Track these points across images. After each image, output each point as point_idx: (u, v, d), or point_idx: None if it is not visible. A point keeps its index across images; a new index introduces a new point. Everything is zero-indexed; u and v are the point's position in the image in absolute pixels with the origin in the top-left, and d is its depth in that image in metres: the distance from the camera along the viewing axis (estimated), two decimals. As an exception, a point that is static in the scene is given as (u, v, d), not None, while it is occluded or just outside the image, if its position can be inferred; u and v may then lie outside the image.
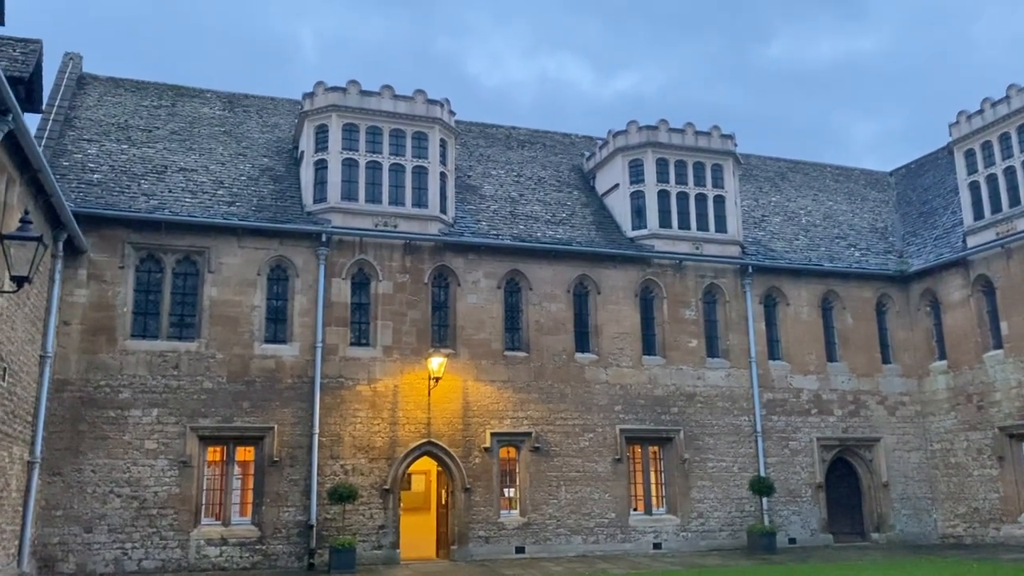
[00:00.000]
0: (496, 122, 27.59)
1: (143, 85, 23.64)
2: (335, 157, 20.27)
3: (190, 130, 22.15)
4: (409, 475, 20.57)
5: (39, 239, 9.66)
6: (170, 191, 19.51)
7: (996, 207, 22.38)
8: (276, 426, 18.22)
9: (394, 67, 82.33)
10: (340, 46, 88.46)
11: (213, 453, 18.25)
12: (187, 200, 19.36)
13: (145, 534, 16.86)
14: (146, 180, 19.63)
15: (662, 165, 23.05)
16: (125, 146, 20.71)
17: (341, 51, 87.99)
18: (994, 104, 22.67)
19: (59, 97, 21.21)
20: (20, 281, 9.59)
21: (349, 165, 20.39)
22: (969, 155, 23.39)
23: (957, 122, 23.78)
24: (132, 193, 19.04)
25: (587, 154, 25.71)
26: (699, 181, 23.23)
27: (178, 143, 21.44)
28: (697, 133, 23.52)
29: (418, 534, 20.30)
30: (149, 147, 20.93)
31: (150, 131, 21.62)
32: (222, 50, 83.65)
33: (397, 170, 20.67)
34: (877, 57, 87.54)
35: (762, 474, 21.55)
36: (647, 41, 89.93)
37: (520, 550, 19.39)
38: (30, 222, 9.79)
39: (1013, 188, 21.97)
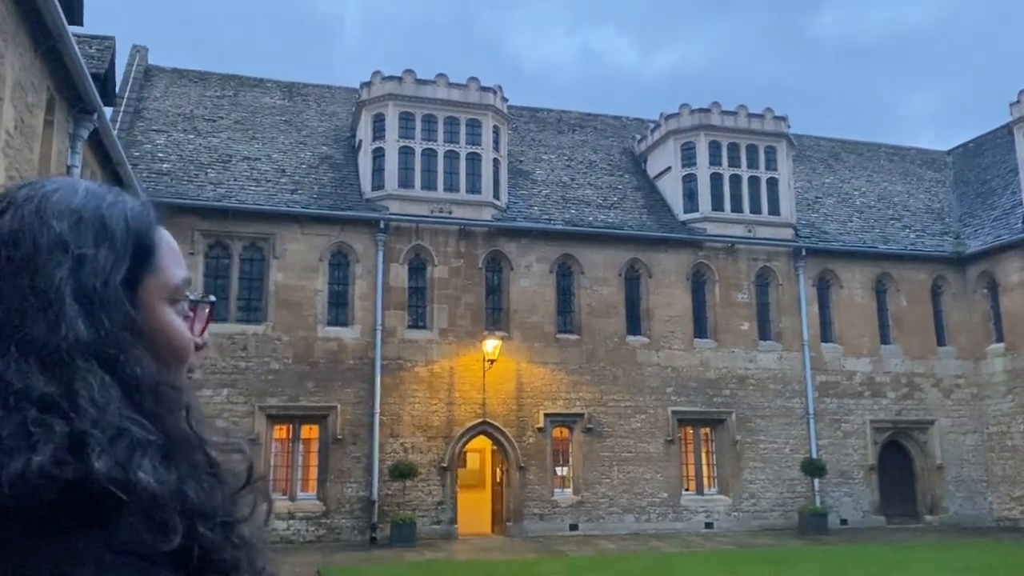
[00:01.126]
0: (540, 102, 27.97)
1: (206, 76, 24.43)
2: (392, 145, 20.81)
3: (252, 119, 22.89)
4: (465, 453, 21.17)
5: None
6: (235, 180, 20.27)
7: (1057, 188, 22.01)
8: (339, 405, 18.96)
9: (438, 44, 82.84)
10: (385, 24, 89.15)
11: (279, 431, 19.09)
12: (252, 188, 20.10)
13: (217, 507, 17.71)
14: (212, 169, 20.41)
15: (714, 148, 23.11)
16: (191, 136, 21.53)
17: (386, 28, 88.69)
18: (1056, 82, 22.21)
19: (128, 89, 22.08)
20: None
21: (405, 153, 20.91)
22: (1030, 134, 22.98)
23: (1018, 101, 23.38)
24: (200, 182, 19.84)
25: (638, 137, 25.84)
26: (752, 163, 23.25)
27: (241, 132, 22.19)
28: (750, 115, 23.50)
29: (474, 510, 20.92)
30: (214, 136, 21.71)
31: (214, 121, 22.40)
32: (269, 33, 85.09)
33: (451, 157, 21.13)
34: (931, 27, 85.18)
35: (814, 455, 21.68)
36: (691, 14, 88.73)
37: (574, 527, 19.90)
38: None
39: (1075, 168, 21.57)
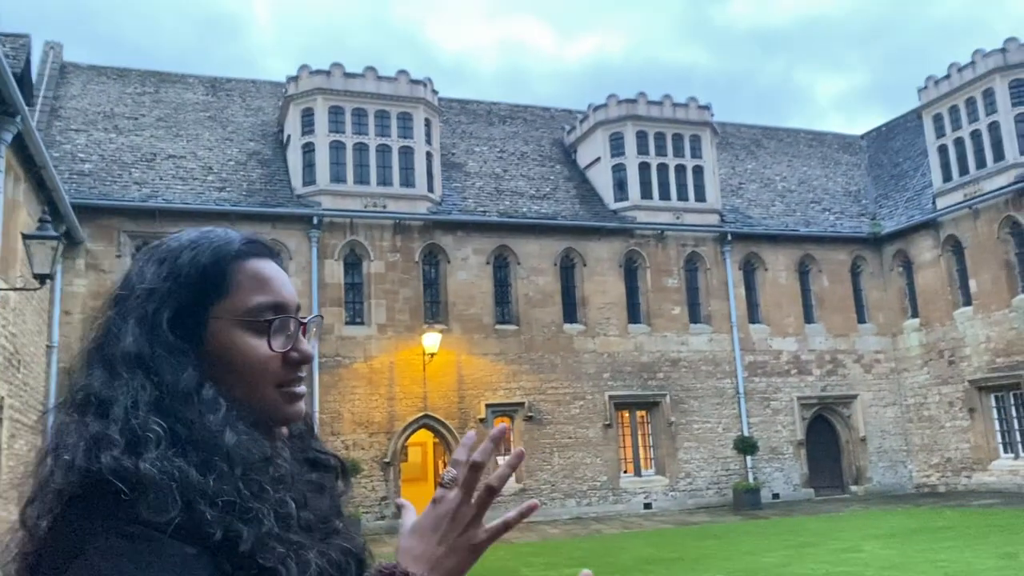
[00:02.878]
0: (462, 93, 28.04)
1: (125, 72, 23.73)
2: (322, 140, 20.63)
3: (176, 116, 22.35)
4: (407, 447, 21.23)
5: (58, 238, 10.08)
6: (161, 178, 19.80)
7: (964, 169, 23.20)
8: (277, 405, 18.74)
9: (353, 35, 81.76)
10: (296, 16, 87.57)
11: (217, 434, 18.77)
12: (178, 187, 19.67)
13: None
14: (136, 168, 19.90)
15: (642, 138, 23.60)
16: (113, 135, 20.92)
17: (297, 20, 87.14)
18: (960, 69, 23.38)
19: (43, 88, 21.30)
20: (43, 279, 10.02)
21: (336, 147, 20.75)
22: (937, 119, 24.15)
23: (925, 87, 24.49)
24: (124, 182, 19.32)
25: (567, 128, 26.16)
26: (678, 152, 23.83)
27: (165, 130, 21.66)
28: (675, 105, 24.06)
29: (418, 504, 20.47)
30: (136, 135, 21.14)
31: (136, 119, 21.81)
32: (177, 27, 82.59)
33: (384, 151, 21.07)
34: (839, 14, 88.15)
35: (745, 434, 22.44)
36: (607, 2, 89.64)
37: (517, 515, 20.12)
38: (49, 221, 10.20)
39: (979, 151, 22.77)
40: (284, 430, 1.14)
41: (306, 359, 1.11)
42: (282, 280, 1.14)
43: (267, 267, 1.13)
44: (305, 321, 1.14)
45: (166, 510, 0.89)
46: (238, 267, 1.09)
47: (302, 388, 1.12)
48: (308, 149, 20.75)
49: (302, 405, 1.13)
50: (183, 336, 1.03)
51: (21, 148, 12.36)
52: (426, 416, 19.97)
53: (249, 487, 0.95)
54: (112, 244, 18.39)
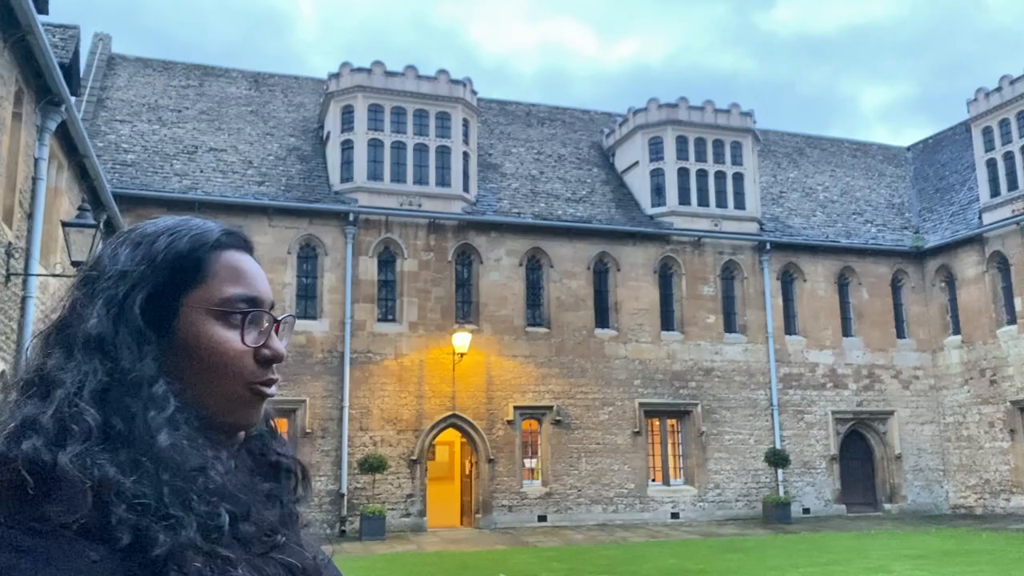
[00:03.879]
0: (502, 93, 28.02)
1: (170, 65, 24.08)
2: (361, 137, 20.74)
3: (218, 110, 22.63)
4: (435, 446, 21.25)
5: (96, 226, 10.22)
6: (201, 171, 20.06)
7: (1012, 184, 22.62)
8: (308, 399, 18.90)
9: (395, 34, 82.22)
10: (340, 14, 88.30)
11: (247, 425, 18.95)
12: (218, 180, 19.91)
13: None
14: (178, 160, 20.18)
15: (682, 143, 23.37)
16: (156, 126, 21.24)
17: (341, 19, 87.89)
18: (1012, 82, 22.81)
19: (91, 78, 21.71)
20: (79, 266, 10.15)
21: (374, 145, 20.85)
22: (987, 132, 23.58)
23: (975, 99, 23.94)
24: (165, 173, 19.60)
25: (606, 131, 26.01)
26: (718, 158, 23.55)
27: (207, 123, 21.94)
28: (716, 111, 23.79)
29: (444, 503, 21.02)
30: (179, 127, 21.44)
31: (180, 111, 22.12)
32: (222, 23, 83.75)
33: (421, 150, 21.12)
34: (886, 23, 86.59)
35: (777, 446, 22.09)
36: (650, 5, 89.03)
37: (542, 519, 20.08)
38: (88, 210, 10.35)
39: (1030, 166, 22.17)
40: (242, 435, 1.07)
41: (277, 357, 1.05)
42: (258, 275, 1.09)
43: (244, 260, 1.09)
44: (280, 319, 1.08)
45: (74, 510, 0.84)
46: (216, 257, 1.05)
47: (273, 390, 1.06)
48: (347, 146, 20.88)
49: (264, 409, 1.07)
50: (151, 323, 0.98)
51: (65, 137, 12.57)
52: (454, 416, 19.97)
53: (175, 494, 0.89)
54: (151, 234, 18.63)
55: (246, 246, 1.12)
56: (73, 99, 19.84)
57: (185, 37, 76.71)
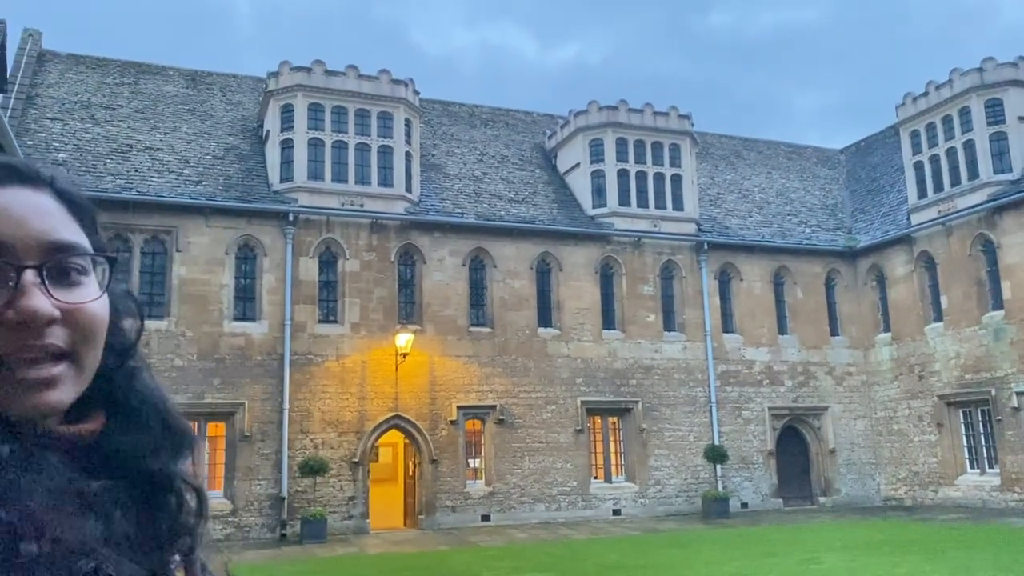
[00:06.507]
0: (443, 95, 27.98)
1: (104, 62, 23.51)
2: (301, 136, 20.53)
3: (154, 108, 22.17)
4: (377, 447, 21.15)
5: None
6: (136, 170, 19.64)
7: (938, 186, 23.43)
8: (247, 402, 18.65)
9: (334, 35, 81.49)
10: (277, 13, 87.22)
11: (184, 429, 18.60)
12: (153, 179, 19.52)
13: (119, 509, 17.20)
14: (112, 159, 19.72)
15: (621, 145, 23.66)
16: (89, 125, 20.72)
17: (278, 18, 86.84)
18: (938, 87, 23.63)
19: (20, 75, 21.08)
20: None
21: (315, 145, 20.66)
22: (914, 136, 24.38)
23: (903, 103, 24.73)
24: (98, 173, 19.14)
25: (548, 133, 26.18)
26: (657, 160, 23.90)
27: (142, 121, 21.48)
28: (655, 113, 24.15)
29: (387, 504, 20.92)
30: (113, 126, 20.95)
31: (114, 109, 21.61)
32: (158, 19, 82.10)
33: (363, 149, 21.00)
34: (817, 29, 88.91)
35: (716, 442, 22.51)
36: (588, 9, 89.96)
37: (486, 518, 20.13)
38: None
39: (954, 168, 23.01)
40: (50, 425, 0.81)
41: (29, 319, 0.76)
42: (17, 213, 0.80)
43: (13, 196, 0.81)
44: (34, 266, 0.78)
45: None
46: None
47: (46, 370, 0.78)
48: (287, 145, 20.66)
49: (49, 394, 0.78)
50: None
51: (-11, 135, 12.20)
52: (397, 417, 19.90)
53: None
54: (83, 235, 18.17)
55: (20, 179, 0.83)
56: (0, 96, 19.31)
57: (119, 34, 74.89)
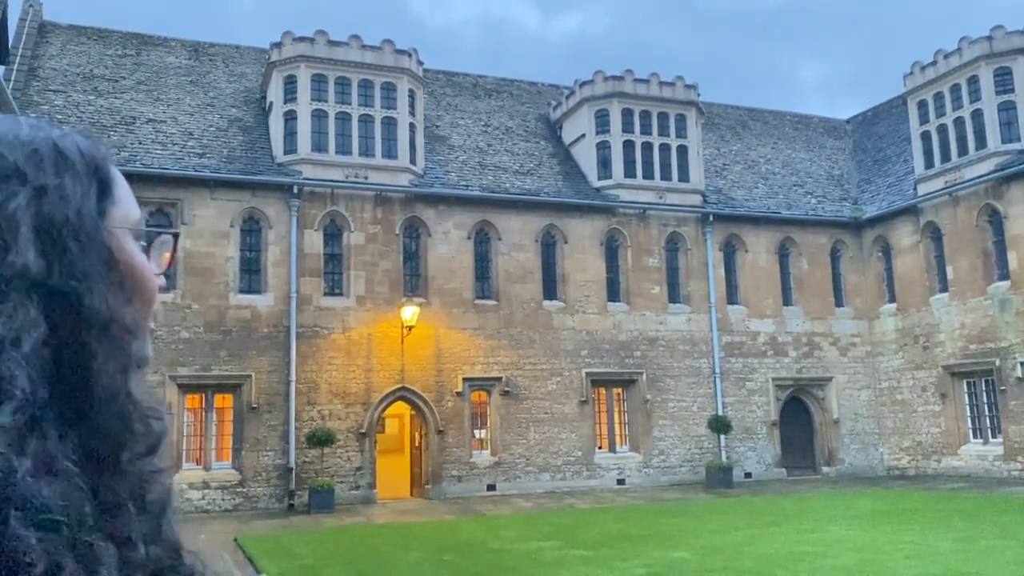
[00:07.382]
0: (447, 65, 27.71)
1: (106, 33, 23.35)
2: (304, 108, 20.43)
3: (157, 80, 22.06)
4: (384, 419, 21.29)
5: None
6: (140, 143, 19.60)
7: (946, 156, 23.28)
8: (253, 374, 18.75)
9: (336, 6, 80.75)
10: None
11: (192, 401, 18.79)
12: (157, 152, 19.47)
13: (129, 479, 17.39)
14: (115, 132, 19.66)
15: (627, 115, 23.50)
16: (92, 97, 20.64)
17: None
18: (947, 56, 23.38)
19: (21, 47, 20.95)
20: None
21: (319, 116, 20.56)
22: (922, 105, 24.18)
23: (911, 72, 24.49)
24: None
25: (553, 104, 26.00)
26: (663, 131, 23.75)
27: (145, 93, 21.39)
28: (661, 83, 23.95)
29: (393, 475, 21.11)
30: (116, 98, 20.87)
31: (116, 81, 21.51)
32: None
33: (367, 121, 20.90)
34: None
35: (720, 413, 22.62)
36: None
37: (491, 488, 20.32)
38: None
39: (962, 138, 22.84)
40: None
41: (163, 285, 0.81)
42: None
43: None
44: (174, 234, 0.85)
45: None
46: (114, 168, 0.84)
47: None
48: (290, 117, 20.56)
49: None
50: None
51: (-7, 108, 12.17)
52: (403, 388, 20.01)
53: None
54: (89, 208, 18.17)
55: None
56: (2, 68, 19.22)
57: (120, 4, 74.16)
